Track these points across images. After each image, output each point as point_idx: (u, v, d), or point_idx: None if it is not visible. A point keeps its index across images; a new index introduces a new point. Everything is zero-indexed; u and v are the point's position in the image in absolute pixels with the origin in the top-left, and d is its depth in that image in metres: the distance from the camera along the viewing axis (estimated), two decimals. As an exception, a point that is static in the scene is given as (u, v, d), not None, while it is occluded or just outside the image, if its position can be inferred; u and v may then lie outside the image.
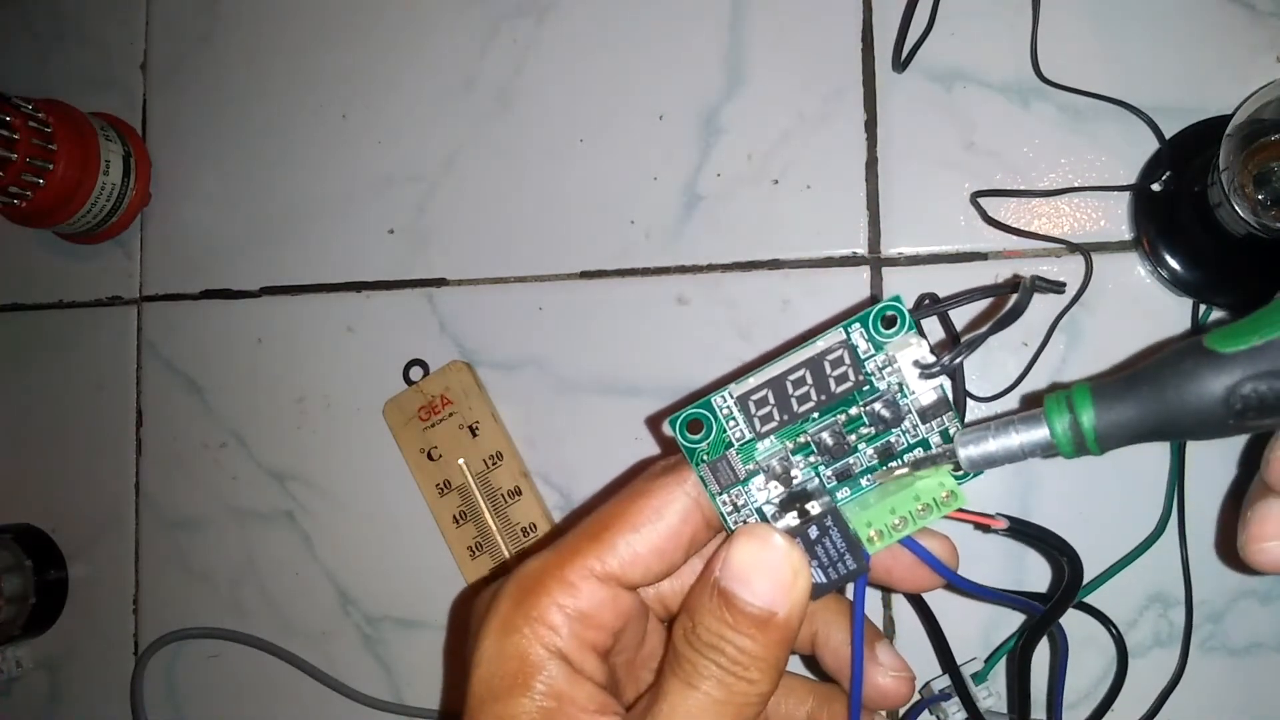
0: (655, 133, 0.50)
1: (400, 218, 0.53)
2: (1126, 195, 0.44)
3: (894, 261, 0.46)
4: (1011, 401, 0.45)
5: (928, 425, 0.25)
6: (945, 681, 0.42)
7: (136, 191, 0.56)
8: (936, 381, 0.25)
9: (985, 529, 0.26)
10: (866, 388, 0.25)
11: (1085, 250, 0.43)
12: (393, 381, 0.51)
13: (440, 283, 0.52)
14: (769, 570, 0.24)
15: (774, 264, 0.48)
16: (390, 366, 0.51)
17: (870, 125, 0.47)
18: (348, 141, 0.54)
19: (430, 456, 0.49)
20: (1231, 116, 0.37)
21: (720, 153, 0.49)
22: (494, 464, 0.49)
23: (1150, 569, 0.42)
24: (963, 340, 0.25)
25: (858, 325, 0.25)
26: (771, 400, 0.25)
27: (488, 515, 0.48)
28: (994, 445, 0.24)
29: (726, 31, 0.49)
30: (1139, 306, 0.44)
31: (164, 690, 0.54)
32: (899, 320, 0.25)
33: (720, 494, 0.26)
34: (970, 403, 0.45)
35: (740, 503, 0.26)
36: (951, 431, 0.25)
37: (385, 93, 0.53)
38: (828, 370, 0.25)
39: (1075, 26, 0.45)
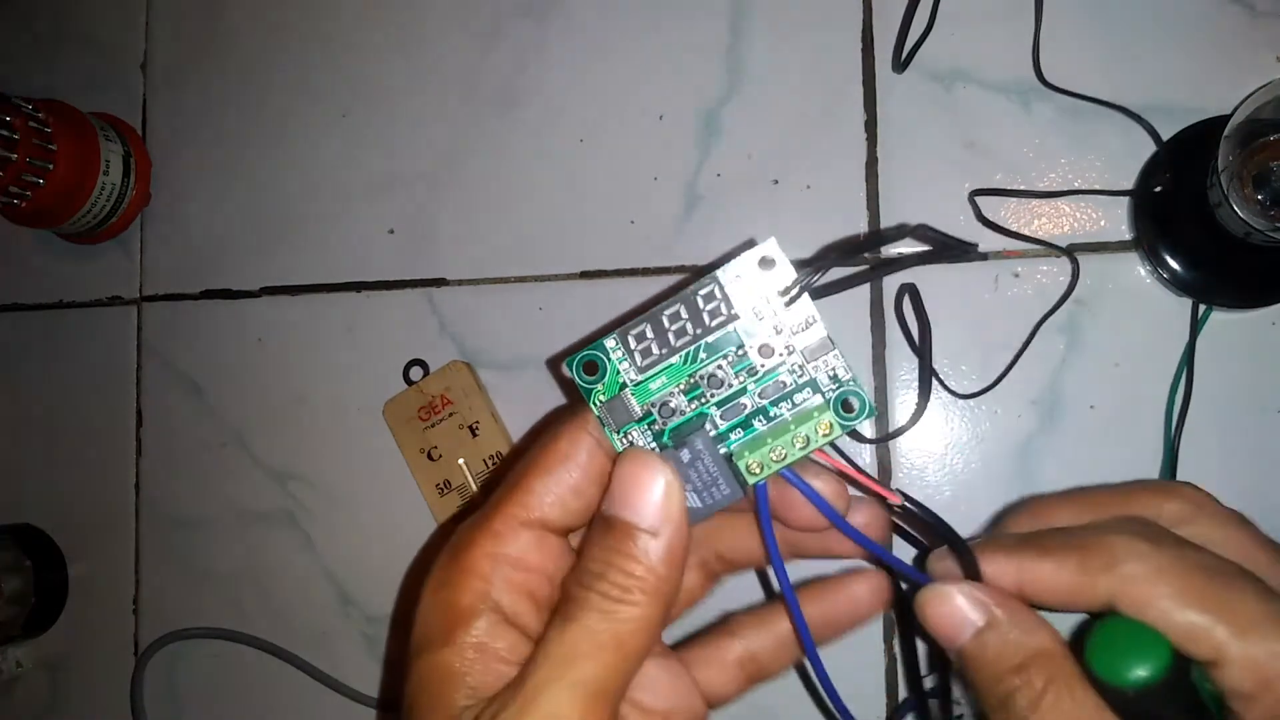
0: (655, 133, 0.50)
1: (400, 218, 0.53)
2: (1126, 196, 0.44)
3: (893, 261, 0.46)
4: (1005, 400, 0.45)
5: (813, 364, 0.26)
6: (931, 682, 0.42)
7: (136, 191, 0.56)
8: (810, 310, 0.26)
9: (884, 502, 0.27)
10: (750, 328, 0.26)
11: (1071, 253, 0.43)
12: (393, 381, 0.51)
13: (440, 283, 0.52)
14: (644, 488, 0.24)
15: (774, 264, 0.48)
16: (390, 366, 0.51)
17: (870, 125, 0.47)
18: (348, 141, 0.54)
19: (430, 456, 0.49)
20: (1230, 117, 0.37)
21: (720, 153, 0.49)
22: (494, 464, 0.49)
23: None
24: (813, 264, 0.26)
25: (734, 267, 0.26)
26: (650, 335, 0.26)
27: (488, 515, 0.48)
28: None
29: (726, 31, 0.49)
30: (1139, 307, 0.44)
31: (164, 690, 0.54)
32: (774, 263, 0.26)
33: (617, 432, 0.27)
34: (960, 401, 0.45)
35: (636, 441, 0.27)
36: (839, 373, 0.26)
37: (385, 93, 0.53)
38: (701, 305, 0.26)
39: (1075, 27, 0.45)
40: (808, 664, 0.28)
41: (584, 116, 0.51)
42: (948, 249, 0.26)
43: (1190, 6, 0.44)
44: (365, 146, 0.53)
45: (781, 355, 0.26)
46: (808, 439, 0.26)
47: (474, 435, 0.49)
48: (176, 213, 0.56)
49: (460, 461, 0.49)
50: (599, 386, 0.26)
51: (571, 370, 0.26)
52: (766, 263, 0.26)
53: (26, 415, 0.58)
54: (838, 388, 0.26)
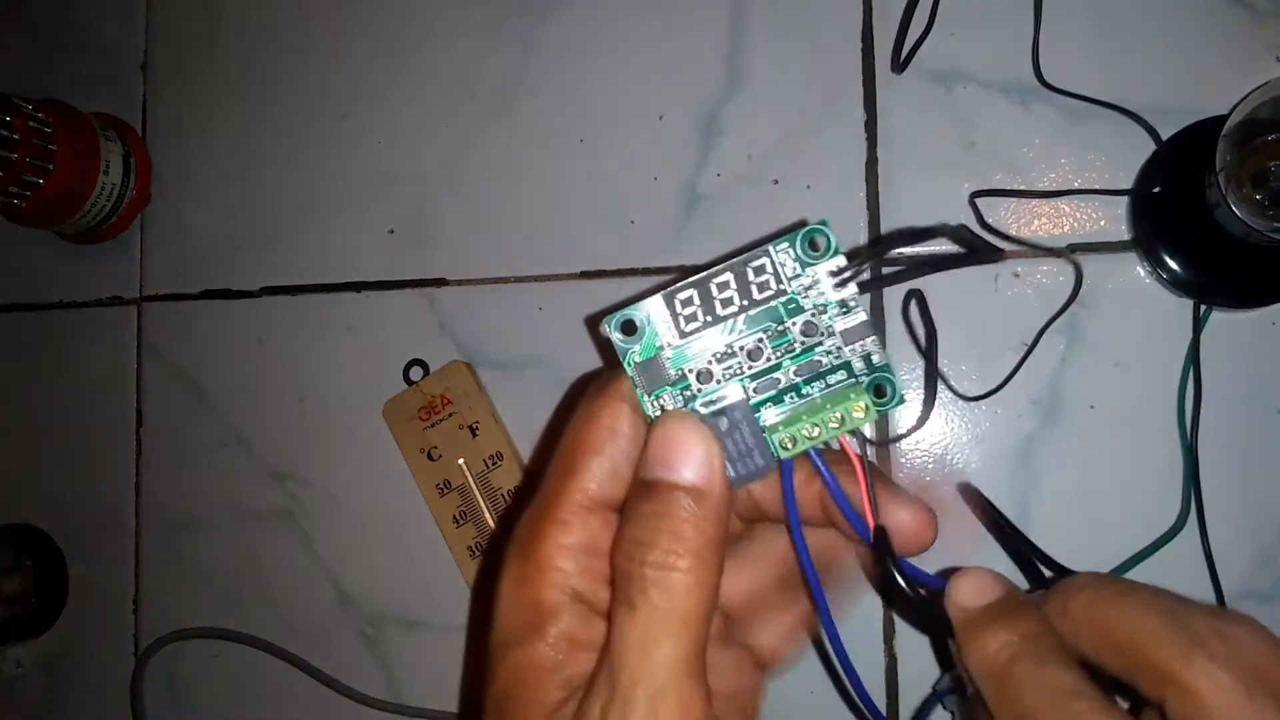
0: (655, 133, 0.50)
1: (400, 218, 0.53)
2: (1125, 196, 0.44)
3: (894, 262, 0.46)
4: (1005, 399, 0.45)
5: (851, 348, 0.26)
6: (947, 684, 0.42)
7: (136, 191, 0.56)
8: (852, 292, 0.26)
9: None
10: (792, 305, 0.26)
11: (1070, 256, 0.44)
12: (393, 381, 0.51)
13: (440, 283, 0.52)
14: (683, 448, 0.24)
15: (824, 244, 0.48)
16: (390, 366, 0.51)
17: (870, 125, 0.47)
18: (348, 141, 0.54)
19: (430, 456, 0.49)
20: (1228, 117, 0.37)
21: (720, 153, 0.49)
22: (494, 464, 0.49)
23: (1154, 570, 0.42)
24: (870, 248, 0.26)
25: (785, 244, 0.26)
26: (697, 301, 0.26)
27: (488, 515, 0.48)
28: None
29: (726, 31, 0.49)
30: (1138, 307, 0.44)
31: (164, 690, 0.54)
32: (825, 244, 0.26)
33: (649, 394, 0.26)
34: (961, 401, 0.45)
35: (667, 405, 0.27)
36: (874, 359, 0.26)
37: (385, 93, 0.53)
38: (750, 277, 0.26)
39: (1075, 27, 0.45)
40: (831, 650, 0.27)
41: (584, 116, 0.51)
42: (976, 253, 0.26)
43: (1190, 6, 0.44)
44: (365, 147, 0.53)
45: (821, 335, 0.26)
46: (842, 419, 0.26)
47: (474, 435, 0.49)
48: (176, 213, 0.56)
49: (460, 461, 0.49)
50: (635, 348, 0.26)
51: (610, 328, 0.26)
52: (817, 242, 0.26)
53: (26, 415, 0.58)
54: (871, 372, 0.26)
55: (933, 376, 0.37)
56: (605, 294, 0.50)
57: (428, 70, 0.53)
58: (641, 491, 0.24)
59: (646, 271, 0.49)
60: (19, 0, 0.60)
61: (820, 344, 0.26)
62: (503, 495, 0.48)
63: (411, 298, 0.52)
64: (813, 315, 0.26)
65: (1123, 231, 0.44)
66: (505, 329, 0.51)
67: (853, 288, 0.26)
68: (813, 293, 0.26)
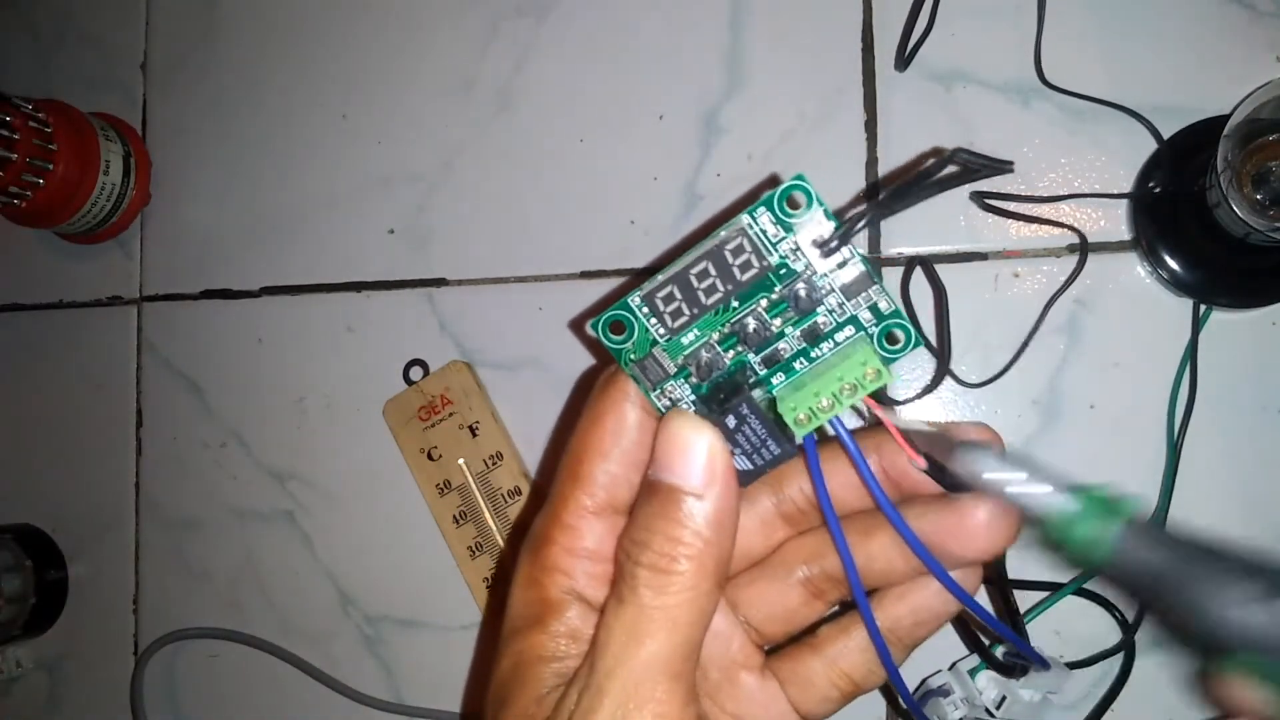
0: (655, 133, 0.50)
1: (400, 218, 0.53)
2: (1126, 198, 0.44)
3: (894, 262, 0.46)
4: (1005, 400, 0.45)
5: (854, 302, 0.25)
6: (944, 678, 0.42)
7: (136, 191, 0.56)
8: (846, 256, 0.24)
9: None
10: (783, 271, 0.25)
11: (1082, 238, 0.43)
12: (393, 381, 0.51)
13: (440, 283, 0.52)
14: (686, 450, 0.24)
15: (804, 203, 0.48)
16: (390, 366, 0.51)
17: (870, 125, 0.47)
18: (348, 141, 0.54)
19: (430, 456, 0.49)
20: (1229, 117, 0.37)
21: (720, 153, 0.49)
22: (494, 464, 0.49)
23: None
24: (855, 212, 0.24)
25: (762, 209, 0.24)
26: (679, 296, 0.25)
27: (488, 515, 0.49)
28: (1014, 477, 0.23)
29: (726, 31, 0.49)
30: (1139, 307, 0.44)
31: (164, 690, 0.54)
32: (806, 200, 0.24)
33: (653, 390, 0.26)
34: (960, 400, 0.45)
35: (676, 396, 0.26)
36: (882, 307, 0.25)
37: (385, 93, 0.53)
38: (729, 259, 0.25)
39: (1075, 26, 0.45)
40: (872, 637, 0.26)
41: (584, 116, 0.51)
42: (986, 169, 0.24)
43: (1190, 6, 0.44)
44: (365, 147, 0.53)
45: (818, 295, 0.25)
46: (855, 386, 0.24)
47: (474, 435, 0.49)
48: (176, 213, 0.56)
49: (460, 461, 0.49)
50: (628, 346, 0.25)
51: (597, 331, 0.25)
52: (796, 199, 0.24)
53: (26, 415, 0.58)
54: (880, 321, 0.25)
55: (944, 337, 0.36)
56: (605, 294, 0.50)
57: (427, 70, 0.53)
58: (646, 490, 0.24)
59: (646, 272, 0.49)
60: (19, 0, 0.60)
61: (821, 303, 0.25)
62: (503, 495, 0.48)
63: (411, 298, 0.52)
64: (808, 276, 0.25)
65: (1123, 231, 0.44)
66: (505, 329, 0.51)
67: (846, 250, 0.25)
68: (802, 253, 0.25)
